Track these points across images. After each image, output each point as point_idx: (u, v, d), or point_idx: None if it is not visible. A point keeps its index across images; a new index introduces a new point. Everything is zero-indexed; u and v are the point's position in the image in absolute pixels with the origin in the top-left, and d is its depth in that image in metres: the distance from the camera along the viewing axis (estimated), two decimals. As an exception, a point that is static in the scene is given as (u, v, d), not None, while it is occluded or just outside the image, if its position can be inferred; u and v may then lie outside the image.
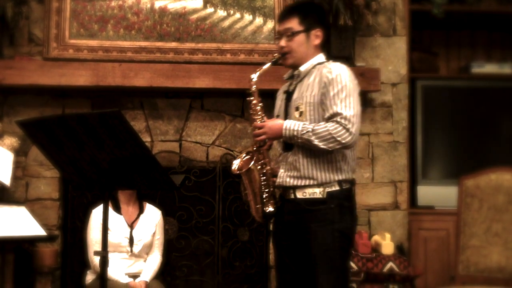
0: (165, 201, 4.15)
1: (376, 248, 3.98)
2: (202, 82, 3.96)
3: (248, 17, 4.20)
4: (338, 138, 2.56)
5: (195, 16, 4.19)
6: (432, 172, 4.39)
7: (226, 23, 4.19)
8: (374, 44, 4.30)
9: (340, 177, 2.67)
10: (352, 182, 2.74)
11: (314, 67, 2.74)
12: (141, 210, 3.69)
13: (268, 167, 2.75)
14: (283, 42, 2.75)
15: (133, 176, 2.41)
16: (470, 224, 3.51)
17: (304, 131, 2.59)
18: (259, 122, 2.72)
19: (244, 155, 2.80)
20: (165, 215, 3.93)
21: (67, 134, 2.30)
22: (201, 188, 4.23)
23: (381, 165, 4.26)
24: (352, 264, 3.81)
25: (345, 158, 2.69)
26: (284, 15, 2.80)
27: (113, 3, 4.13)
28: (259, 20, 4.20)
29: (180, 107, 4.19)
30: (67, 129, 2.29)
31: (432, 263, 4.22)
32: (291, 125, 2.63)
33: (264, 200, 2.74)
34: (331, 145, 2.57)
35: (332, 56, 4.05)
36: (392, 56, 4.30)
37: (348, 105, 2.59)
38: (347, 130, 2.56)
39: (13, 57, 4.00)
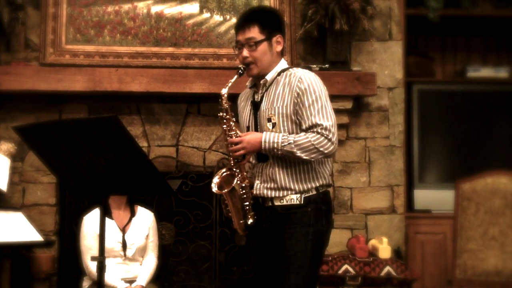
0: (162, 206, 4.15)
1: (373, 252, 3.98)
2: (198, 87, 3.96)
3: (244, 22, 4.21)
4: (321, 149, 2.58)
5: (191, 21, 4.19)
6: (429, 176, 4.40)
7: (223, 28, 4.20)
8: (370, 49, 4.31)
9: (318, 184, 2.70)
10: (329, 186, 2.77)
11: (279, 74, 2.73)
12: (132, 214, 3.68)
13: (247, 180, 2.74)
14: (245, 52, 2.70)
15: (130, 181, 2.41)
16: (467, 227, 3.52)
17: (285, 143, 2.59)
18: (234, 137, 2.68)
19: (223, 171, 2.76)
20: (162, 220, 3.93)
21: (64, 139, 2.30)
22: (198, 193, 4.23)
23: (377, 169, 4.27)
24: (350, 268, 3.82)
25: (323, 163, 2.72)
26: (244, 24, 2.73)
27: (109, 9, 4.13)
28: (255, 25, 4.20)
29: (176, 112, 4.19)
30: (64, 134, 2.29)
31: (429, 267, 4.22)
32: (270, 138, 2.62)
33: (246, 213, 2.74)
34: (313, 155, 2.60)
35: (328, 61, 4.10)
36: (388, 61, 4.31)
37: (325, 115, 2.61)
38: (329, 140, 2.59)
39: (9, 63, 4.00)
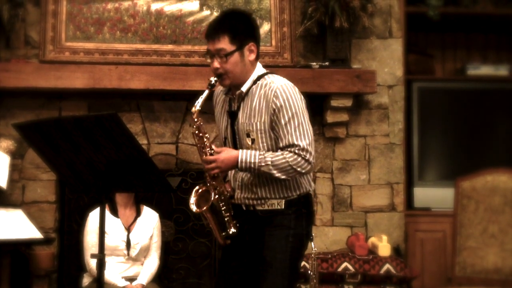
0: (162, 204, 4.15)
1: (372, 250, 3.98)
2: (198, 84, 3.96)
3: (244, 19, 4.20)
4: (298, 169, 2.54)
5: (191, 18, 4.19)
6: (429, 174, 4.40)
7: (223, 25, 4.19)
8: (370, 46, 4.31)
9: (299, 192, 2.66)
10: (310, 191, 2.72)
11: (254, 82, 2.64)
12: (138, 213, 3.68)
13: (225, 192, 2.67)
14: (216, 64, 2.59)
15: (130, 178, 2.41)
16: (467, 225, 3.52)
17: (263, 164, 2.54)
18: (208, 154, 2.60)
19: (197, 188, 2.69)
20: (162, 217, 3.93)
21: (64, 136, 2.30)
22: (197, 191, 4.22)
23: (377, 167, 4.27)
24: (349, 266, 3.82)
25: (303, 175, 2.66)
26: (213, 34, 2.60)
27: (109, 6, 4.13)
28: (255, 23, 4.20)
29: (176, 109, 4.19)
30: (64, 131, 2.29)
31: (429, 265, 4.22)
32: (247, 157, 2.55)
33: (226, 225, 2.67)
34: (291, 175, 2.56)
35: (328, 58, 4.10)
36: (388, 58, 4.31)
37: (302, 133, 2.55)
38: (306, 160, 2.54)
39: (9, 60, 3.99)
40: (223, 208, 2.66)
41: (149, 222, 3.69)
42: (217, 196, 2.64)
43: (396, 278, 3.83)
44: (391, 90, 4.30)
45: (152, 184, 2.42)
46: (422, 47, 4.72)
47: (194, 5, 4.20)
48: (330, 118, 4.12)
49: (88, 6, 4.11)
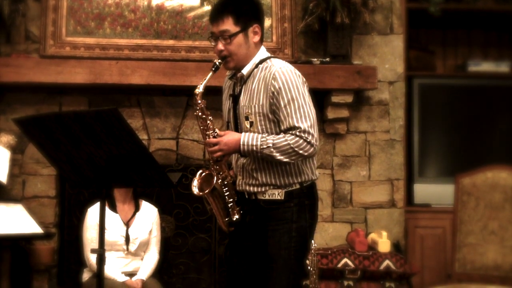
0: (162, 199, 4.15)
1: (372, 246, 3.98)
2: (199, 80, 3.89)
3: (245, 15, 4.19)
4: (301, 152, 2.51)
5: (192, 13, 4.18)
6: (429, 170, 4.40)
7: (223, 21, 4.18)
8: (371, 42, 4.30)
9: (301, 179, 2.63)
10: (313, 181, 2.70)
11: (256, 66, 2.63)
12: (137, 208, 3.68)
13: (229, 177, 2.67)
14: (220, 46, 2.59)
15: (130, 173, 2.41)
16: (467, 222, 3.52)
17: (265, 146, 2.52)
18: (212, 137, 2.61)
19: (201, 171, 2.68)
20: (162, 213, 3.93)
21: (64, 131, 2.30)
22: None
23: (377, 163, 4.27)
24: (349, 262, 3.82)
25: (305, 161, 2.63)
26: (217, 16, 2.60)
27: (110, 1, 4.12)
28: (256, 18, 4.19)
29: (177, 105, 4.19)
30: (64, 126, 2.29)
31: (429, 261, 4.23)
32: (249, 140, 2.54)
33: (230, 210, 2.68)
34: (293, 157, 2.53)
35: (329, 54, 4.09)
36: (389, 54, 4.30)
37: (303, 115, 2.52)
38: (308, 142, 2.51)
39: (9, 55, 3.99)
40: (226, 194, 2.65)
41: (148, 217, 3.69)
42: (220, 180, 2.64)
43: (396, 274, 3.83)
44: (392, 86, 4.30)
45: (153, 180, 2.42)
46: (423, 43, 4.72)
47: (195, 0, 4.19)
48: (331, 114, 4.12)
49: (88, 1, 4.10)
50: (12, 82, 3.88)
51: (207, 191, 2.63)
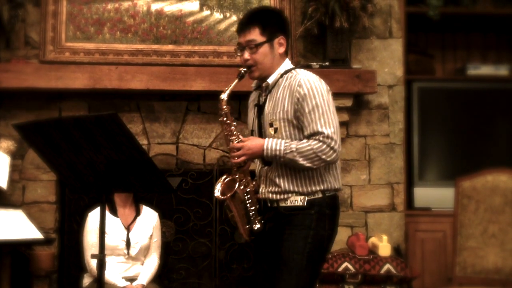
0: (162, 204, 4.15)
1: (373, 250, 3.98)
2: (198, 84, 3.96)
3: (244, 19, 4.20)
4: (323, 157, 2.54)
5: (191, 18, 4.19)
6: (429, 174, 4.40)
7: (223, 25, 4.20)
8: (370, 46, 4.31)
9: (324, 187, 2.64)
10: (337, 190, 2.71)
11: (281, 76, 2.68)
12: (137, 213, 3.68)
13: (251, 185, 2.70)
14: (246, 55, 2.67)
15: (130, 178, 2.41)
16: (467, 225, 3.52)
17: (288, 151, 2.55)
18: (236, 142, 2.65)
19: (224, 177, 2.72)
20: (162, 217, 3.93)
21: (64, 137, 2.30)
22: (198, 191, 4.23)
23: (377, 167, 4.27)
24: (349, 266, 3.82)
25: (328, 169, 2.66)
26: (244, 26, 2.69)
27: (109, 6, 4.13)
28: (255, 23, 4.20)
29: (176, 109, 4.19)
30: (64, 132, 2.29)
31: (429, 265, 4.22)
32: (272, 145, 2.58)
33: (251, 219, 2.70)
34: (316, 163, 2.56)
35: (329, 59, 4.10)
36: (388, 58, 4.31)
37: (326, 121, 2.56)
38: (331, 148, 2.55)
39: (9, 60, 3.99)
40: (248, 201, 2.68)
41: (148, 221, 3.69)
42: (242, 187, 2.67)
43: (397, 278, 3.83)
44: (391, 90, 4.31)
45: (152, 185, 2.42)
46: (422, 47, 4.72)
47: (194, 5, 4.20)
48: (330, 118, 4.12)
49: (88, 6, 4.11)
50: (12, 87, 3.88)
51: (228, 195, 2.65)
